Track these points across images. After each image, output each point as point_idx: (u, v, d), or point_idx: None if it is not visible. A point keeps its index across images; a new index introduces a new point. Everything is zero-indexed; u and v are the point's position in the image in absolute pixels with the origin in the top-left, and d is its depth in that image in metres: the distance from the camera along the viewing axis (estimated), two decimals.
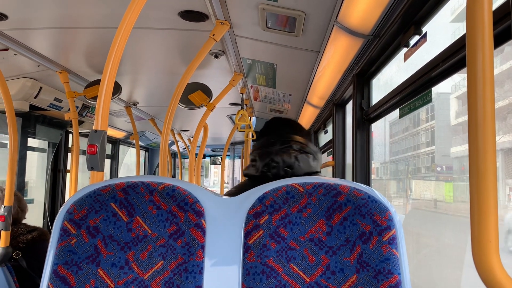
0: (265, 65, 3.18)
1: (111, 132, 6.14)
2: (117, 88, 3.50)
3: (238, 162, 10.06)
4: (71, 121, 3.62)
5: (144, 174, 8.47)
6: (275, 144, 1.62)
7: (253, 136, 5.02)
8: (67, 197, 4.92)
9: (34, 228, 2.68)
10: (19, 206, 2.74)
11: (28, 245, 2.56)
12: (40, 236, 2.63)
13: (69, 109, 3.58)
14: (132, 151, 7.93)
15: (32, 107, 3.69)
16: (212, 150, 10.73)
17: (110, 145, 6.96)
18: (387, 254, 1.04)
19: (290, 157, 1.57)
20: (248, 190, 1.19)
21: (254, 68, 3.31)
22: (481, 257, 0.75)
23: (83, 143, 4.59)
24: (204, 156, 11.23)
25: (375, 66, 2.45)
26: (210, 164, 12.23)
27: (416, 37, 1.83)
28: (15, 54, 2.84)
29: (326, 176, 3.16)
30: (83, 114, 4.43)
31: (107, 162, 6.90)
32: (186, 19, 2.31)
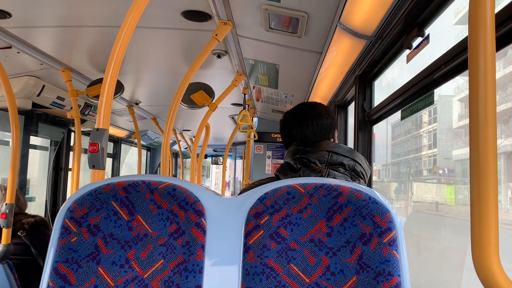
0: (267, 65, 3.18)
1: (113, 131, 6.15)
2: (119, 87, 3.51)
3: (239, 162, 10.06)
4: (73, 119, 3.63)
5: (146, 173, 8.48)
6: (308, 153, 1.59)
7: (255, 137, 5.02)
8: (68, 195, 4.93)
9: (35, 215, 2.91)
10: (17, 205, 2.81)
11: (32, 226, 2.79)
12: (42, 221, 2.88)
13: (71, 108, 3.59)
14: (133, 150, 7.94)
15: (34, 105, 3.69)
16: (214, 150, 10.74)
17: (112, 144, 6.97)
18: (387, 255, 1.04)
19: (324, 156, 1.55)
20: (249, 190, 1.19)
21: (256, 69, 3.31)
22: (481, 259, 0.75)
23: (85, 142, 4.59)
24: (206, 156, 11.25)
25: (377, 67, 2.45)
26: (212, 164, 12.23)
27: (419, 39, 1.83)
28: (18, 52, 2.85)
29: None
30: (86, 113, 4.44)
31: (109, 161, 6.91)
32: (189, 18, 2.31)
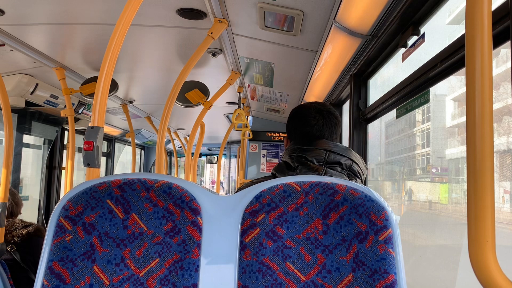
0: (262, 64, 3.18)
1: (107, 129, 6.13)
2: (113, 85, 3.49)
3: (234, 161, 10.06)
4: (67, 118, 3.61)
5: (140, 172, 8.45)
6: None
7: (249, 135, 5.02)
8: (62, 194, 4.90)
9: (30, 224, 2.66)
10: (13, 200, 2.71)
11: (23, 240, 2.54)
12: (36, 232, 2.61)
13: (65, 106, 3.57)
14: (128, 149, 7.92)
15: (28, 103, 3.67)
16: (208, 149, 10.73)
17: (106, 142, 6.95)
18: (383, 253, 1.04)
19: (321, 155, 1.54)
20: (245, 188, 1.19)
21: (251, 67, 3.30)
22: (477, 256, 0.75)
23: (79, 141, 4.58)
24: (200, 155, 11.23)
25: (372, 66, 2.46)
26: (206, 163, 12.22)
27: (414, 38, 1.83)
28: (12, 50, 2.83)
29: None
30: (79, 111, 4.41)
31: (103, 160, 6.89)
32: (184, 16, 2.30)
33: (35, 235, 2.60)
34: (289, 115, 1.73)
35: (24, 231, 2.57)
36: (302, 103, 3.81)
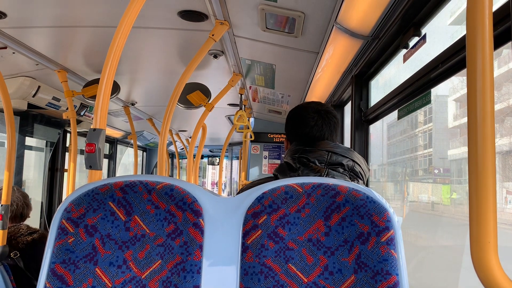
0: (264, 65, 3.18)
1: (109, 131, 6.14)
2: (115, 88, 3.50)
3: (236, 162, 10.05)
4: (69, 120, 3.61)
5: (142, 174, 8.45)
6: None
7: (251, 137, 5.02)
8: (64, 196, 4.91)
9: (35, 230, 2.65)
10: (25, 202, 2.70)
11: (28, 246, 2.53)
12: (41, 239, 2.59)
13: (67, 108, 3.58)
14: (130, 151, 7.92)
15: (30, 106, 3.68)
16: (210, 151, 10.74)
17: (108, 144, 6.96)
18: (385, 255, 1.04)
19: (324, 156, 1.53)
20: (247, 190, 1.19)
21: (253, 69, 3.31)
22: (479, 257, 0.75)
23: (81, 143, 4.59)
24: (202, 157, 11.23)
25: (374, 67, 2.46)
26: (208, 164, 12.22)
27: (416, 39, 1.83)
28: (14, 53, 2.83)
29: None
30: (81, 114, 4.42)
31: (105, 162, 6.89)
32: (186, 19, 2.31)
33: (40, 241, 2.58)
34: (287, 116, 1.72)
35: (29, 238, 2.55)
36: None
